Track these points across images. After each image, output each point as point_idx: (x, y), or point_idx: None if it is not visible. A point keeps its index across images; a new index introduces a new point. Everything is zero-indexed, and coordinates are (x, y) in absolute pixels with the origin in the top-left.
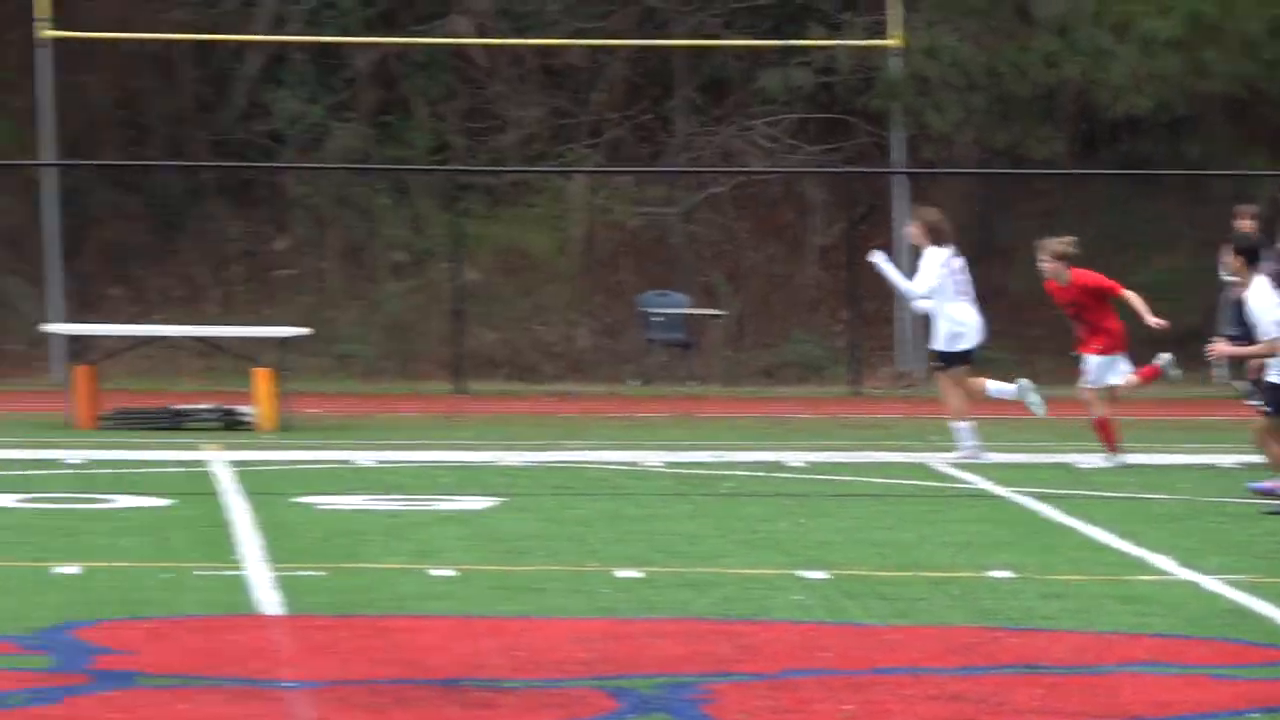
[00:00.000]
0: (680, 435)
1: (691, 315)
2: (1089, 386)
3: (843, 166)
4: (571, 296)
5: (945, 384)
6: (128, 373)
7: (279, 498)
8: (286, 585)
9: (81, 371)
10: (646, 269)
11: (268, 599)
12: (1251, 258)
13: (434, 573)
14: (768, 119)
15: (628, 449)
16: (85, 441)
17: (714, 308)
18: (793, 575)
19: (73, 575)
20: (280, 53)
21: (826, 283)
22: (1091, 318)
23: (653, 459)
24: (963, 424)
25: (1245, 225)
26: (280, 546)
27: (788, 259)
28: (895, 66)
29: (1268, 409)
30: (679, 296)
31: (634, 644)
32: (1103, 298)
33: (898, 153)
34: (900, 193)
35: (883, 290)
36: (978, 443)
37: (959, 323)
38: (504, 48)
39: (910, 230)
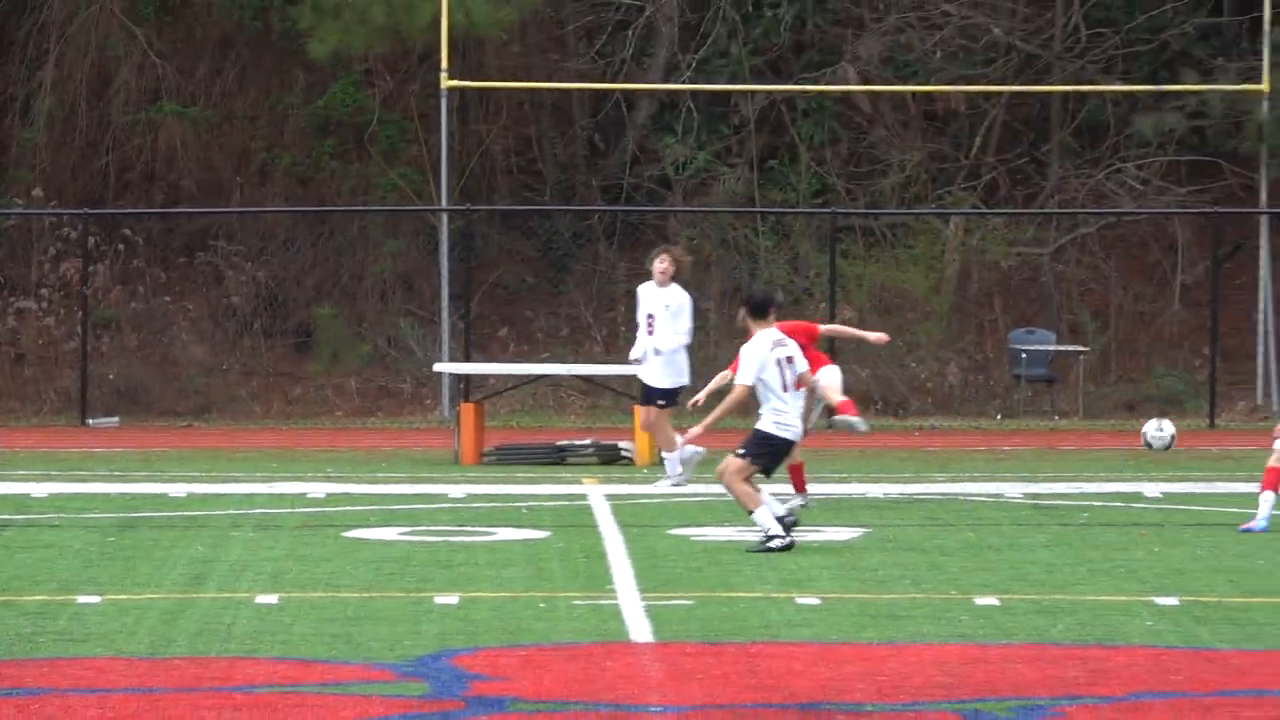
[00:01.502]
0: (1041, 467)
1: (1057, 352)
2: None
3: (1210, 207)
4: (944, 334)
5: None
6: (514, 410)
7: (654, 529)
8: (657, 614)
9: (468, 409)
10: (1016, 307)
11: (639, 627)
12: None
13: (800, 601)
14: (1139, 161)
15: (990, 481)
16: (469, 476)
17: (1079, 345)
18: (1145, 602)
19: (452, 605)
20: (671, 100)
21: (1190, 320)
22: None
23: (1014, 490)
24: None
25: None
26: (652, 576)
27: (1153, 297)
28: (1265, 110)
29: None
30: (1046, 334)
31: (990, 669)
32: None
33: (1264, 194)
34: (1265, 232)
35: (1244, 326)
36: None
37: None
38: (887, 94)
39: (666, 265)
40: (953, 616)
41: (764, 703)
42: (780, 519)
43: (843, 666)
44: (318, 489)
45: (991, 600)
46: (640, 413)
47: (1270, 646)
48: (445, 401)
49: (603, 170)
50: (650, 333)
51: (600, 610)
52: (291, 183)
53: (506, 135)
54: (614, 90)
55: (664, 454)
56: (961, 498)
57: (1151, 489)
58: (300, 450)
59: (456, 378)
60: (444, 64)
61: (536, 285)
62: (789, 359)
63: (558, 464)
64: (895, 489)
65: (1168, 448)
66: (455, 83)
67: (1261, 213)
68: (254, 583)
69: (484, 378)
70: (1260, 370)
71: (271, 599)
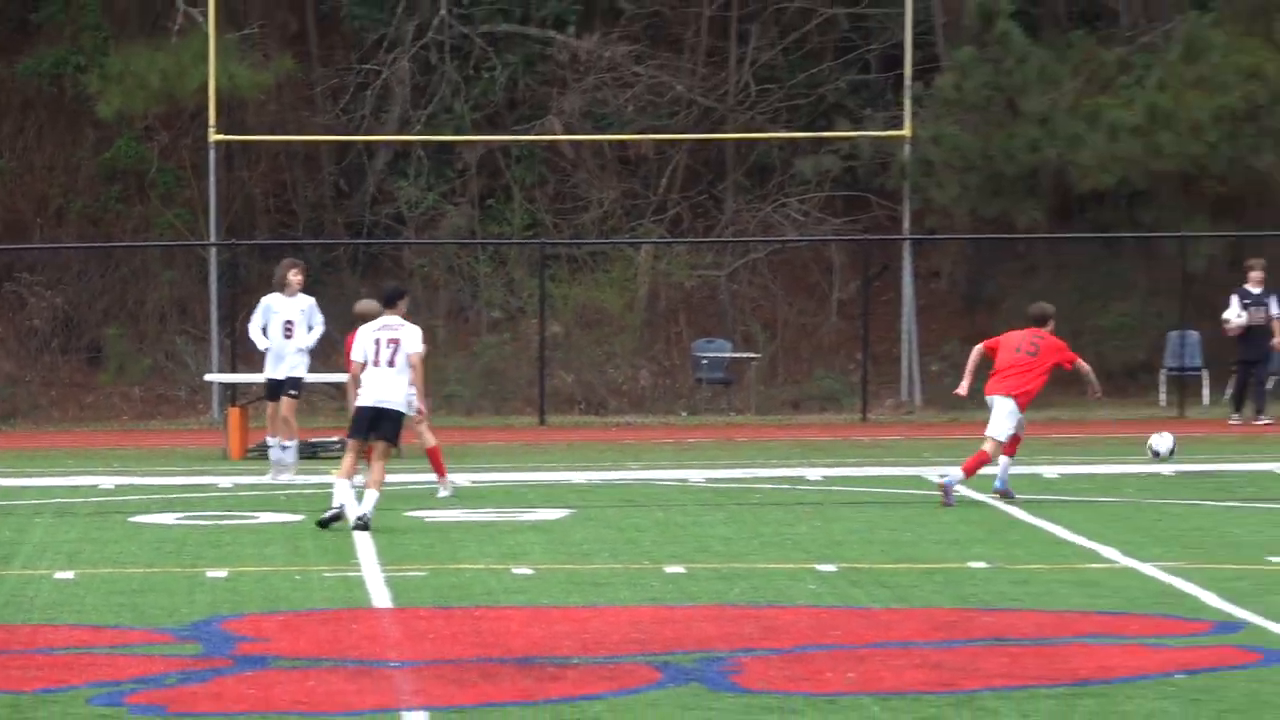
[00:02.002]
0: (720, 456)
1: (733, 358)
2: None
3: (861, 235)
4: (636, 345)
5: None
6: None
7: (393, 512)
8: (395, 583)
9: (234, 413)
10: (698, 321)
11: (380, 595)
12: None
13: (516, 571)
14: (801, 197)
15: (677, 469)
16: (236, 469)
17: (752, 352)
18: (809, 569)
19: (221, 578)
20: (404, 149)
21: (845, 330)
22: None
23: (697, 476)
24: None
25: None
26: (392, 551)
27: (814, 311)
28: (906, 152)
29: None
30: (723, 343)
31: (677, 627)
32: None
33: (907, 223)
34: (908, 256)
35: (890, 335)
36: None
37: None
38: (588, 142)
39: (301, 277)
40: (646, 583)
41: (486, 657)
42: (339, 508)
43: (553, 626)
44: (107, 481)
45: (679, 569)
46: (280, 405)
47: (915, 605)
48: (215, 406)
49: (347, 209)
50: (288, 336)
51: (347, 581)
52: (84, 223)
53: (265, 180)
54: (356, 141)
55: (283, 443)
56: (653, 482)
57: (813, 473)
58: (92, 449)
59: (225, 386)
60: (212, 121)
61: None
62: (391, 340)
63: (311, 458)
64: (596, 476)
65: (1172, 452)
66: (222, 137)
67: (904, 239)
68: (53, 561)
69: (248, 386)
70: (904, 372)
71: (68, 575)
